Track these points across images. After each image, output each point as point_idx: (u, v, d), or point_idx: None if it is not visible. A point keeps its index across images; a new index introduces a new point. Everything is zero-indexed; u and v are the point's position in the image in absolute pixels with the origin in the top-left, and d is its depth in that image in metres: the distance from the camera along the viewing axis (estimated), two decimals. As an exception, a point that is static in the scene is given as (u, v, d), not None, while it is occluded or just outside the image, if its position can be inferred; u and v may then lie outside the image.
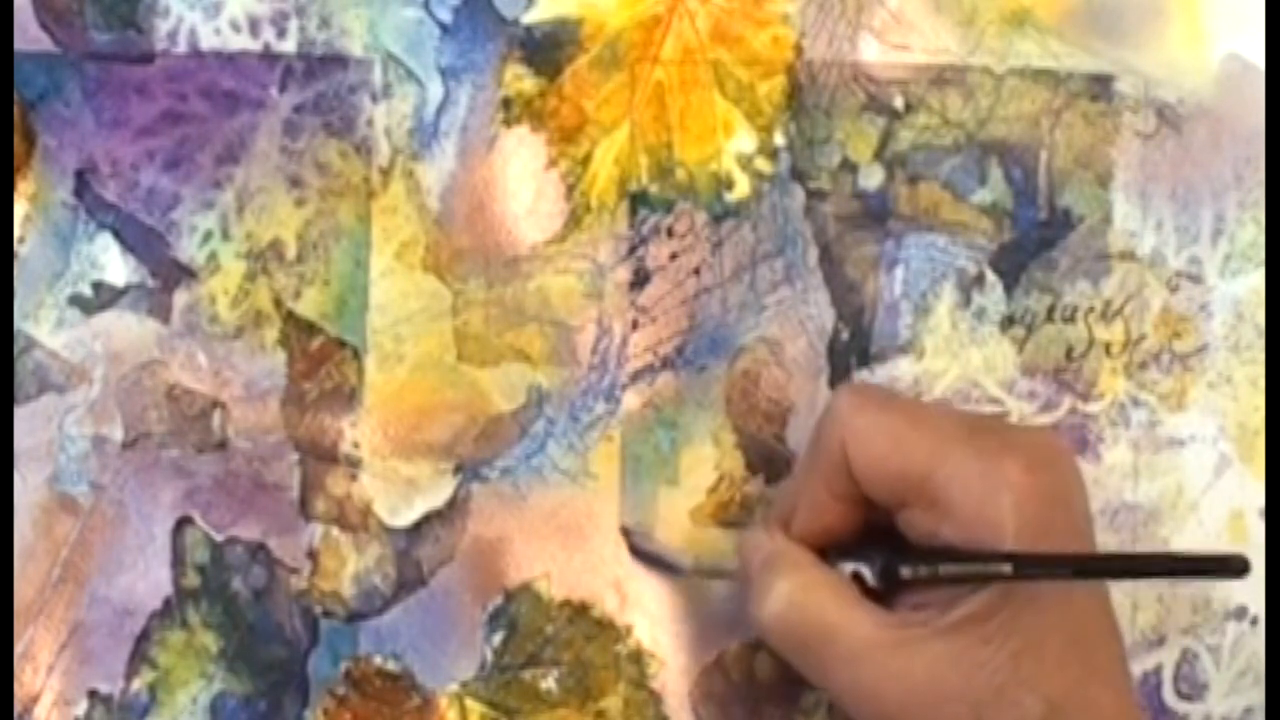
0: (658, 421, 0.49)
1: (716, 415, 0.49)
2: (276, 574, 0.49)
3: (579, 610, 0.49)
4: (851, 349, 0.49)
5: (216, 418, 0.49)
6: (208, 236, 0.49)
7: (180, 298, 0.49)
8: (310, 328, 0.49)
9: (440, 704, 0.48)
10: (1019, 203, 0.49)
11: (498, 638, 0.49)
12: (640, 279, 0.49)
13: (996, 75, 0.49)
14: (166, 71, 0.49)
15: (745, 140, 0.49)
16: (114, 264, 0.49)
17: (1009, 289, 0.49)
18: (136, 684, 0.48)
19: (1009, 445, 0.41)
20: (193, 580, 0.49)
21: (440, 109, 0.49)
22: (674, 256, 0.49)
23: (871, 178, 0.49)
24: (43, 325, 0.49)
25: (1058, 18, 0.49)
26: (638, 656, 0.49)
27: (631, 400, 0.49)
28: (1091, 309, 0.49)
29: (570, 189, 0.49)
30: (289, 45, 0.49)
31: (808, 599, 0.42)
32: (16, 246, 0.49)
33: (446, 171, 0.49)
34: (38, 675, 0.48)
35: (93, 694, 0.48)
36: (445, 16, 0.49)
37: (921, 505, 0.41)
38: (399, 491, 0.49)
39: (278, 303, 0.49)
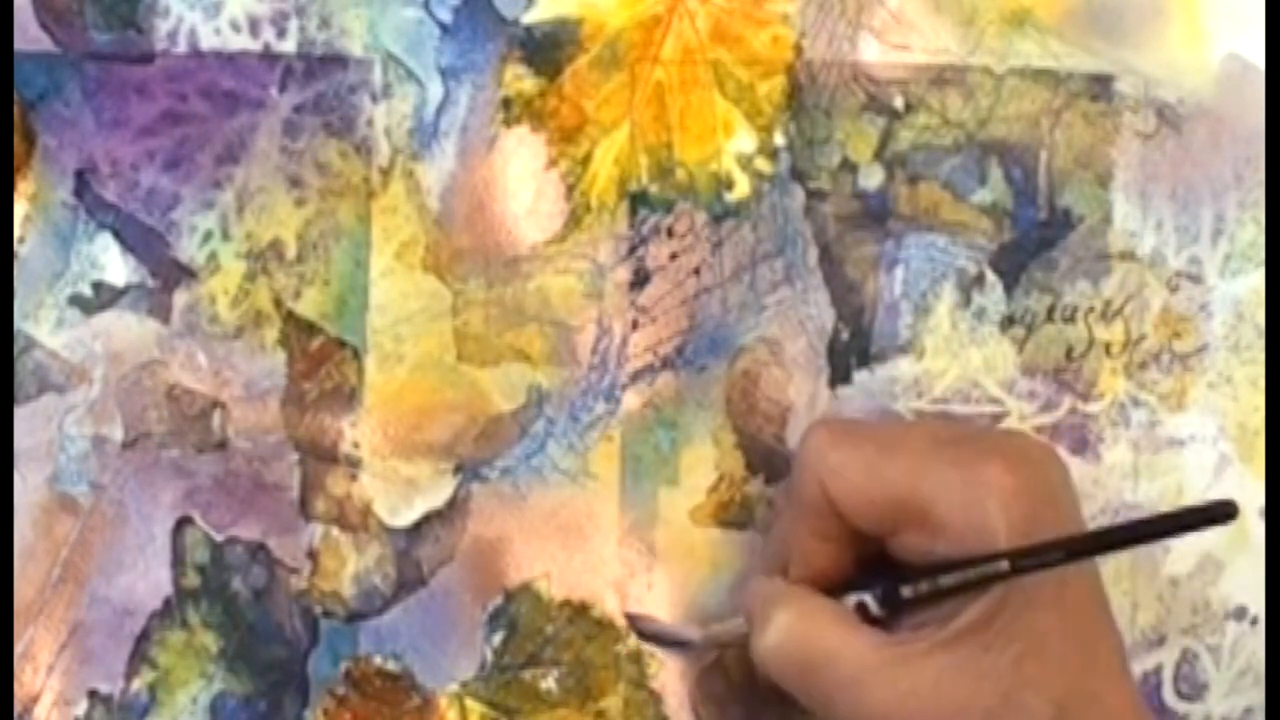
0: (658, 421, 0.49)
1: (716, 415, 0.49)
2: (276, 574, 0.49)
3: (579, 610, 0.49)
4: (851, 349, 0.49)
5: (216, 418, 0.49)
6: (208, 236, 0.49)
7: (180, 298, 0.49)
8: (310, 328, 0.49)
9: (440, 704, 0.48)
10: (1019, 203, 0.49)
11: (498, 638, 0.49)
12: (640, 279, 0.49)
13: (996, 75, 0.49)
14: (166, 71, 0.49)
15: (745, 140, 0.49)
16: (114, 264, 0.49)
17: (1009, 289, 0.49)
18: (136, 684, 0.48)
19: (986, 450, 0.41)
20: (193, 580, 0.49)
21: (440, 109, 0.49)
22: (674, 256, 0.49)
23: (871, 178, 0.49)
24: (43, 325, 0.49)
25: (1058, 18, 0.49)
26: (638, 656, 0.49)
27: (631, 400, 0.49)
28: (1091, 309, 0.49)
29: (570, 189, 0.49)
30: (289, 45, 0.49)
31: (806, 627, 0.42)
32: (16, 246, 0.49)
33: (446, 171, 0.49)
34: (38, 675, 0.48)
35: (93, 694, 0.48)
36: (445, 16, 0.49)
37: (911, 527, 0.41)
38: (399, 491, 0.49)
39: (278, 303, 0.49)
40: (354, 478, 0.49)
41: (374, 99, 0.49)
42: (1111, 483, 0.49)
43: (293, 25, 0.49)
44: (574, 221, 0.49)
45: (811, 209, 0.49)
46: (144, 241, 0.49)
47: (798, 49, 0.49)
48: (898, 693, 0.40)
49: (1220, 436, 0.49)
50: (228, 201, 0.49)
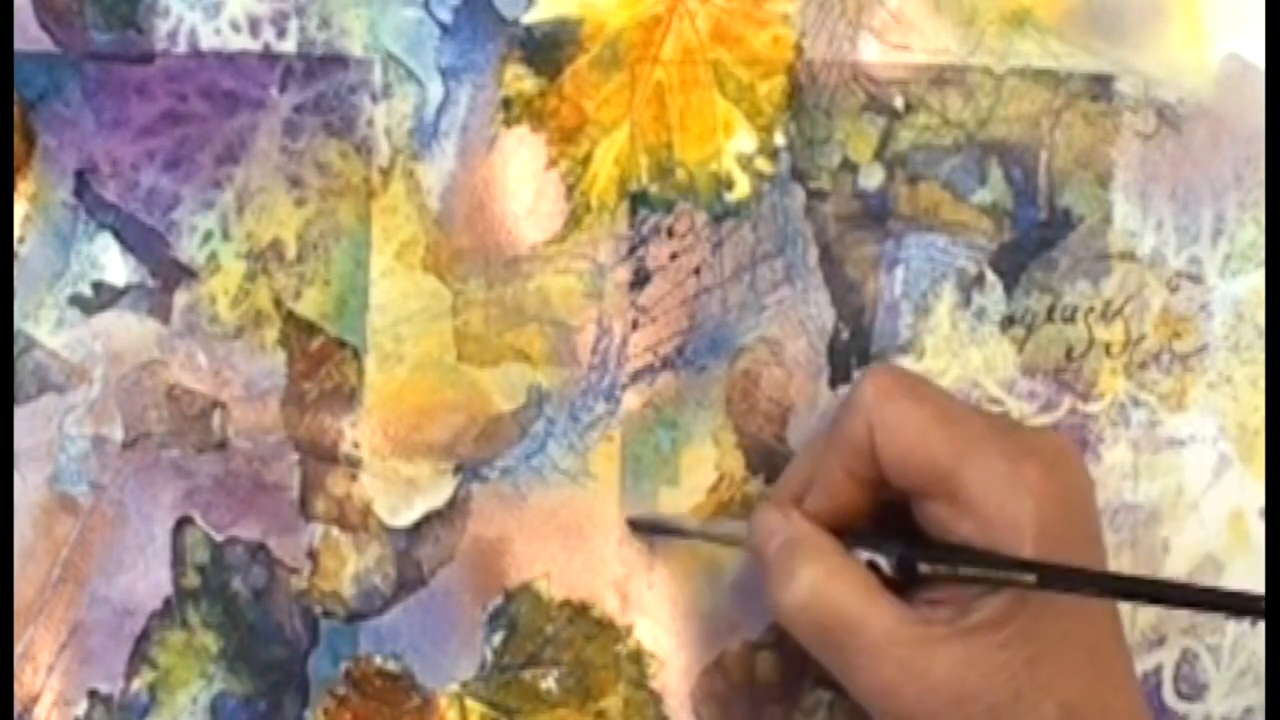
0: (658, 421, 0.49)
1: (716, 415, 0.49)
2: (276, 574, 0.49)
3: (579, 610, 0.49)
4: (851, 349, 0.49)
5: (216, 418, 0.49)
6: (208, 236, 0.49)
7: (180, 298, 0.49)
8: (310, 328, 0.49)
9: (440, 704, 0.48)
10: (1019, 203, 0.49)
11: (498, 638, 0.49)
12: (640, 279, 0.49)
13: (996, 75, 0.49)
14: (166, 71, 0.49)
15: (745, 140, 0.49)
16: (114, 264, 0.49)
17: (1009, 289, 0.49)
18: (136, 684, 0.48)
19: (1030, 449, 0.41)
20: (193, 580, 0.49)
21: (440, 109, 0.49)
22: (674, 256, 0.49)
23: (871, 178, 0.49)
24: (43, 325, 0.49)
25: (1058, 18, 0.49)
26: (638, 656, 0.49)
27: (631, 400, 0.49)
28: (1091, 309, 0.49)
29: (570, 189, 0.49)
30: (289, 45, 0.49)
31: (831, 589, 0.42)
32: (16, 246, 0.49)
33: (446, 171, 0.49)
34: (38, 675, 0.48)
35: (93, 694, 0.48)
36: (445, 16, 0.49)
37: (943, 500, 0.42)
38: (399, 491, 0.49)
39: (278, 303, 0.49)
40: (354, 478, 0.49)
41: (374, 99, 0.49)
42: (1111, 483, 0.49)
43: (293, 25, 0.49)
44: (574, 221, 0.49)
45: (812, 209, 0.49)
46: (144, 241, 0.49)
47: (798, 49, 0.49)
48: (913, 672, 0.41)
49: (1220, 436, 0.49)
50: (228, 201, 0.49)
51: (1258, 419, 0.49)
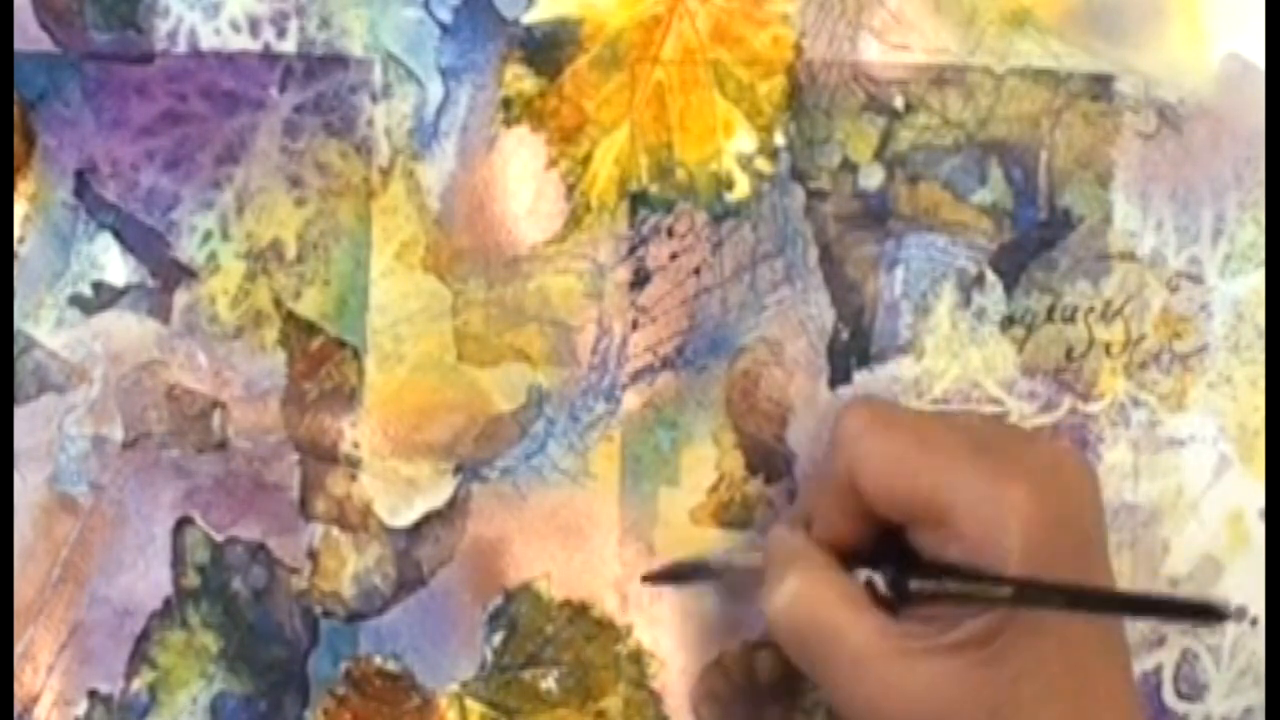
0: (658, 421, 0.49)
1: (716, 415, 0.49)
2: (276, 574, 0.49)
3: (579, 610, 0.49)
4: (851, 349, 0.49)
5: (216, 418, 0.49)
6: (208, 236, 0.49)
7: (180, 298, 0.49)
8: (310, 328, 0.49)
9: (440, 704, 0.48)
10: (1019, 203, 0.49)
11: (498, 638, 0.49)
12: (640, 279, 0.49)
13: (996, 75, 0.49)
14: (166, 71, 0.49)
15: (745, 140, 0.49)
16: (114, 264, 0.49)
17: (1009, 289, 0.49)
18: (136, 684, 0.48)
19: (1016, 466, 0.41)
20: (193, 580, 0.49)
21: (440, 109, 0.49)
22: (674, 256, 0.49)
23: (871, 178, 0.49)
24: (43, 325, 0.49)
25: (1058, 18, 0.49)
26: (638, 656, 0.49)
27: (631, 400, 0.49)
28: (1091, 309, 0.49)
29: (570, 189, 0.49)
30: (289, 45, 0.49)
31: (815, 598, 0.42)
32: (16, 246, 0.49)
33: (446, 171, 0.49)
34: (38, 675, 0.48)
35: (93, 694, 0.48)
36: (445, 16, 0.49)
37: (929, 525, 0.41)
38: (399, 491, 0.49)
39: (278, 303, 0.49)
40: (354, 478, 0.49)
41: (374, 99, 0.49)
42: (1111, 483, 0.49)
43: (293, 25, 0.49)
44: (574, 221, 0.49)
45: (811, 209, 0.49)
46: (144, 241, 0.49)
47: (798, 49, 0.49)
48: (893, 685, 0.40)
49: (1220, 437, 0.49)
50: (228, 201, 0.49)
51: (1258, 419, 0.49)
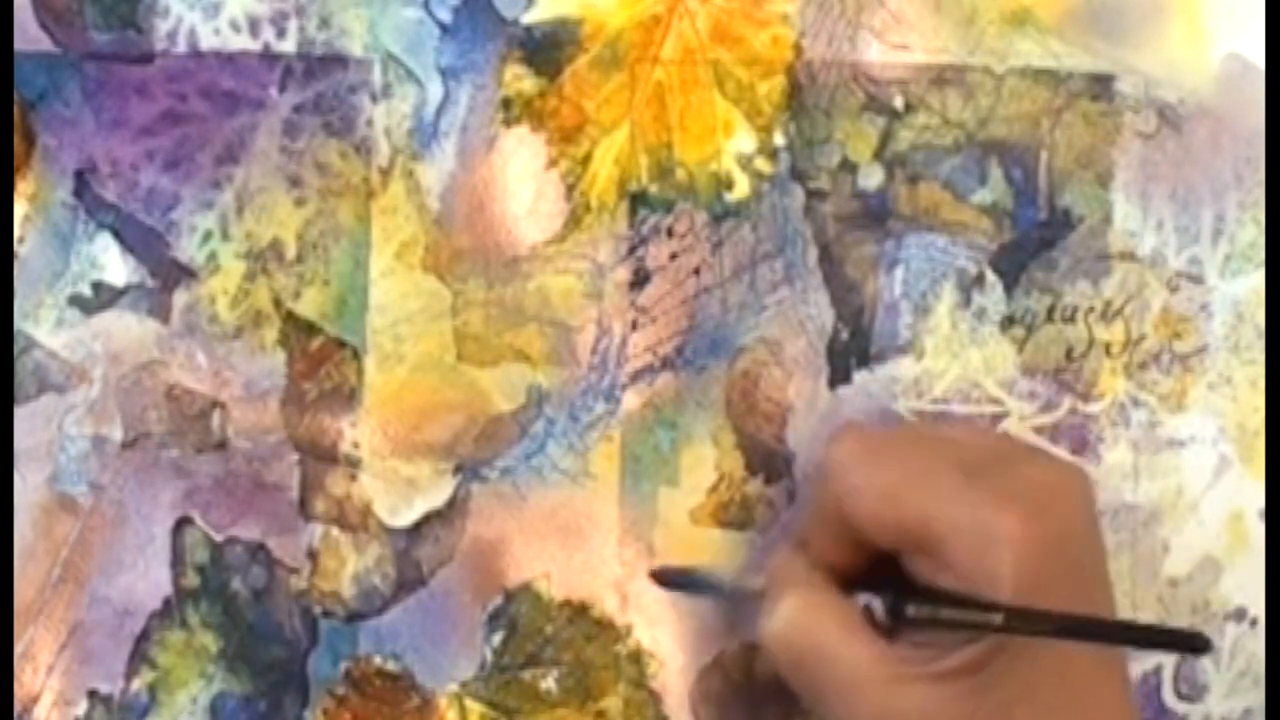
0: (658, 421, 0.49)
1: (716, 415, 0.49)
2: (276, 574, 0.49)
3: (579, 610, 0.49)
4: (851, 349, 0.49)
5: (216, 418, 0.49)
6: (207, 236, 0.49)
7: (180, 298, 0.49)
8: (310, 328, 0.49)
9: (440, 704, 0.49)
10: (1019, 203, 0.49)
11: (498, 638, 0.49)
12: (640, 279, 0.49)
13: (996, 75, 0.49)
14: (166, 71, 0.49)
15: (745, 140, 0.49)
16: (114, 264, 0.49)
17: (1009, 289, 0.49)
18: (136, 684, 0.48)
19: (1007, 491, 0.40)
20: (192, 580, 0.49)
21: (440, 109, 0.49)
22: (674, 256, 0.49)
23: (871, 178, 0.49)
24: (43, 325, 0.49)
25: (1058, 18, 0.49)
26: (638, 656, 0.49)
27: (631, 400, 0.49)
28: (1091, 309, 0.49)
29: (570, 189, 0.49)
30: (289, 45, 0.49)
31: (810, 621, 0.42)
32: (16, 246, 0.49)
33: (446, 171, 0.49)
34: (38, 675, 0.48)
35: (93, 694, 0.48)
36: (445, 16, 0.49)
37: (921, 556, 0.41)
38: (399, 491, 0.49)
39: (277, 303, 0.49)
40: (354, 478, 0.49)
41: (374, 99, 0.49)
42: (1111, 483, 0.49)
43: (293, 25, 0.49)
44: (574, 221, 0.49)
45: (811, 209, 0.49)
46: (144, 241, 0.49)
47: (798, 49, 0.49)
48: (885, 710, 0.40)
49: (1220, 437, 0.49)
50: (227, 201, 0.49)
51: (1258, 419, 0.49)
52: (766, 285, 0.49)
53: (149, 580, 0.49)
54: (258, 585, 0.48)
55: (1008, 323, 0.49)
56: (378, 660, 0.48)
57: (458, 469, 0.49)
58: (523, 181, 0.49)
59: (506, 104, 0.49)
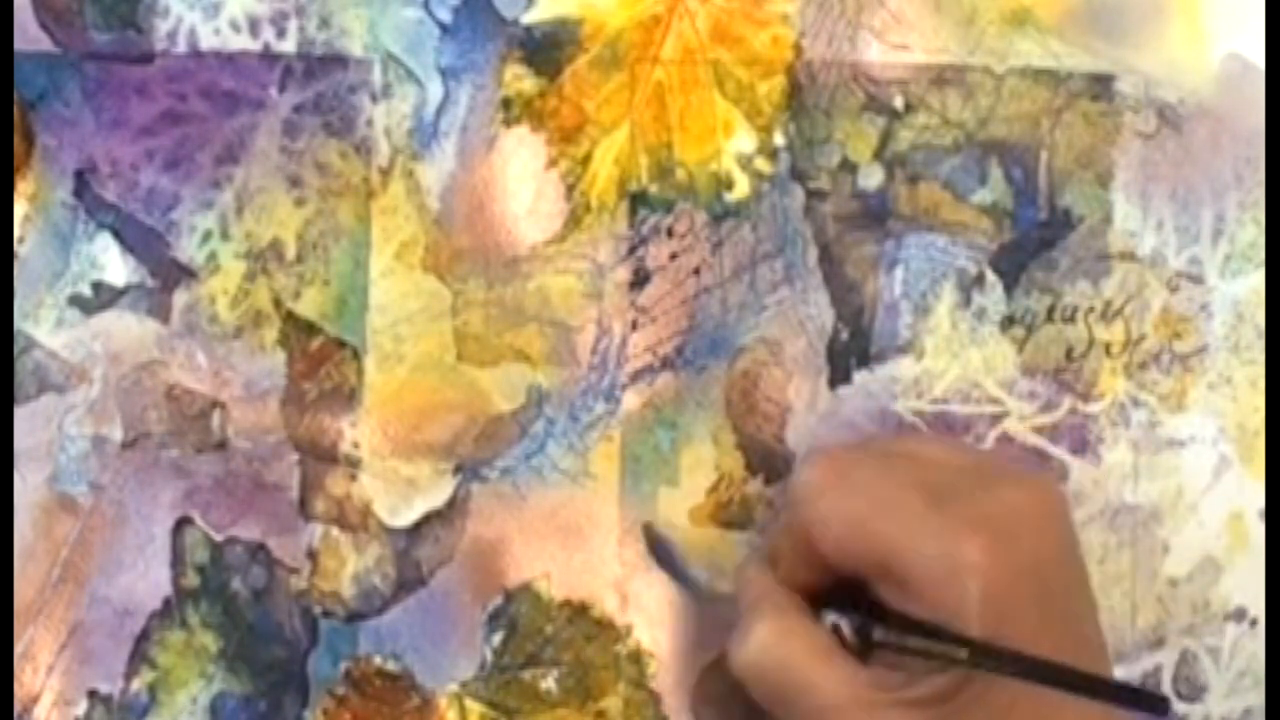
0: (658, 421, 0.49)
1: (716, 415, 0.49)
2: (276, 574, 0.49)
3: (579, 610, 0.49)
4: (851, 349, 0.49)
5: (216, 418, 0.49)
6: (207, 236, 0.49)
7: (180, 298, 0.49)
8: (310, 328, 0.49)
9: (440, 704, 0.49)
10: (1019, 203, 0.49)
11: (498, 638, 0.49)
12: (640, 279, 0.49)
13: (996, 75, 0.49)
14: (166, 71, 0.49)
15: (745, 140, 0.49)
16: (114, 264, 0.49)
17: (1009, 289, 0.49)
18: (136, 684, 0.48)
19: (974, 519, 0.40)
20: (192, 580, 0.49)
21: (440, 109, 0.49)
22: (674, 256, 0.49)
23: (871, 178, 0.49)
24: (43, 325, 0.49)
25: (1058, 18, 0.49)
26: (638, 656, 0.49)
27: (631, 400, 0.49)
28: (1091, 309, 0.49)
29: (570, 189, 0.49)
30: (289, 45, 0.49)
31: (783, 648, 0.42)
32: (16, 246, 0.49)
33: (446, 171, 0.49)
34: (38, 675, 0.48)
35: (93, 694, 0.48)
36: (445, 16, 0.49)
37: (888, 584, 0.41)
38: (399, 491, 0.49)
39: (277, 303, 0.49)
40: (354, 478, 0.49)
41: (374, 99, 0.49)
42: (1111, 483, 0.49)
43: (292, 25, 0.49)
44: (574, 221, 0.49)
45: (811, 209, 0.49)
46: (144, 241, 0.49)
47: (798, 49, 0.49)
48: None
49: (1220, 437, 0.49)
50: (227, 201, 0.49)
51: (1258, 420, 0.49)
52: (766, 285, 0.49)
53: (149, 580, 0.49)
54: (258, 585, 0.49)
55: (1008, 323, 0.49)
56: (378, 660, 0.48)
57: (458, 469, 0.49)
58: (523, 181, 0.49)
59: (506, 104, 0.49)
